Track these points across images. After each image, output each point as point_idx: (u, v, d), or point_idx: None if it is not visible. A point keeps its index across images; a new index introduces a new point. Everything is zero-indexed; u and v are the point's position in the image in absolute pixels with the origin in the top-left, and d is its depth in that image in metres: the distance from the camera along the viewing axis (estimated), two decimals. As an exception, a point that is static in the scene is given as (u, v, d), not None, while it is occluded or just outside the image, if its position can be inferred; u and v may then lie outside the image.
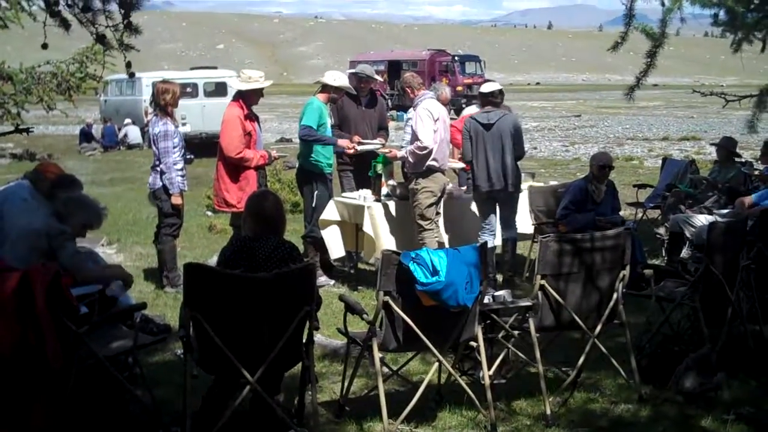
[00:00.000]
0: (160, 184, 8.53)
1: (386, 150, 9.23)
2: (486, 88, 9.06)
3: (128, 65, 5.81)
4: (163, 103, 8.49)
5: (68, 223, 5.97)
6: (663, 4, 5.94)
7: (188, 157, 8.86)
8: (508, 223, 9.03)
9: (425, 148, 8.38)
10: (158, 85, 8.64)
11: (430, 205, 8.53)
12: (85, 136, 27.64)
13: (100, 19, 5.44)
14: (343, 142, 9.17)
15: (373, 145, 9.34)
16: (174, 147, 8.45)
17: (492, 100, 8.90)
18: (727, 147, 10.60)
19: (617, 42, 6.07)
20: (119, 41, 5.54)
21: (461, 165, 9.60)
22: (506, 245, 9.22)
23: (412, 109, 8.83)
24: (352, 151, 9.23)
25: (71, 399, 4.69)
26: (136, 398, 5.20)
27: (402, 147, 9.51)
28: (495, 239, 8.99)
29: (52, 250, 5.74)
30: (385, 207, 8.81)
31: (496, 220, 8.95)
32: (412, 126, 8.70)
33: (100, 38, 5.61)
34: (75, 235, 6.06)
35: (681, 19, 6.05)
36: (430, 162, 8.47)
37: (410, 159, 8.62)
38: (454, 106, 33.46)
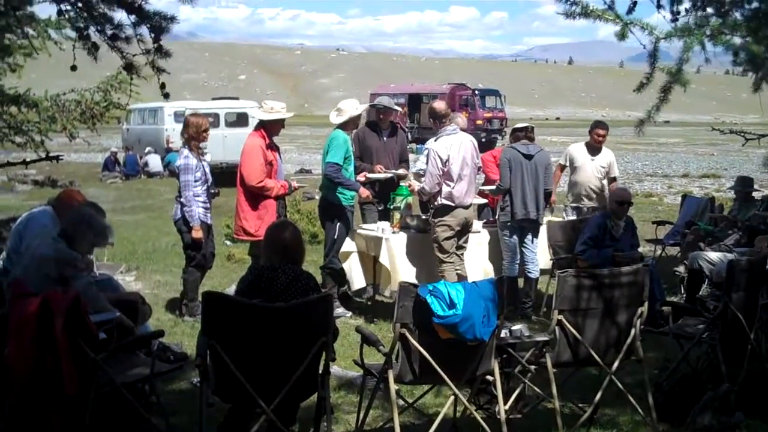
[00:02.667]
0: (180, 215, 8.61)
1: (405, 183, 9.29)
2: (518, 125, 9.72)
3: (162, 86, 5.86)
4: (186, 136, 8.61)
5: (77, 243, 5.79)
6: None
7: (212, 191, 8.87)
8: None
9: (427, 193, 8.56)
10: (186, 116, 8.78)
11: (447, 239, 8.53)
12: (109, 165, 27.88)
13: (132, 44, 5.50)
14: (363, 192, 9.07)
15: (386, 174, 9.41)
16: (196, 181, 8.52)
17: (528, 134, 9.38)
18: (743, 188, 10.59)
19: (642, 83, 6.08)
20: (151, 65, 5.60)
21: (483, 200, 9.70)
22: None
23: (432, 139, 8.79)
24: (366, 195, 9.21)
25: (88, 425, 4.70)
26: (152, 426, 5.21)
27: (413, 173, 9.70)
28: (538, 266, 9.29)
29: (63, 278, 5.60)
30: (403, 239, 8.81)
31: (535, 246, 9.25)
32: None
33: (128, 66, 5.67)
34: (83, 254, 6.02)
35: (706, 60, 6.05)
36: (444, 201, 8.48)
37: (422, 198, 8.86)
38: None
